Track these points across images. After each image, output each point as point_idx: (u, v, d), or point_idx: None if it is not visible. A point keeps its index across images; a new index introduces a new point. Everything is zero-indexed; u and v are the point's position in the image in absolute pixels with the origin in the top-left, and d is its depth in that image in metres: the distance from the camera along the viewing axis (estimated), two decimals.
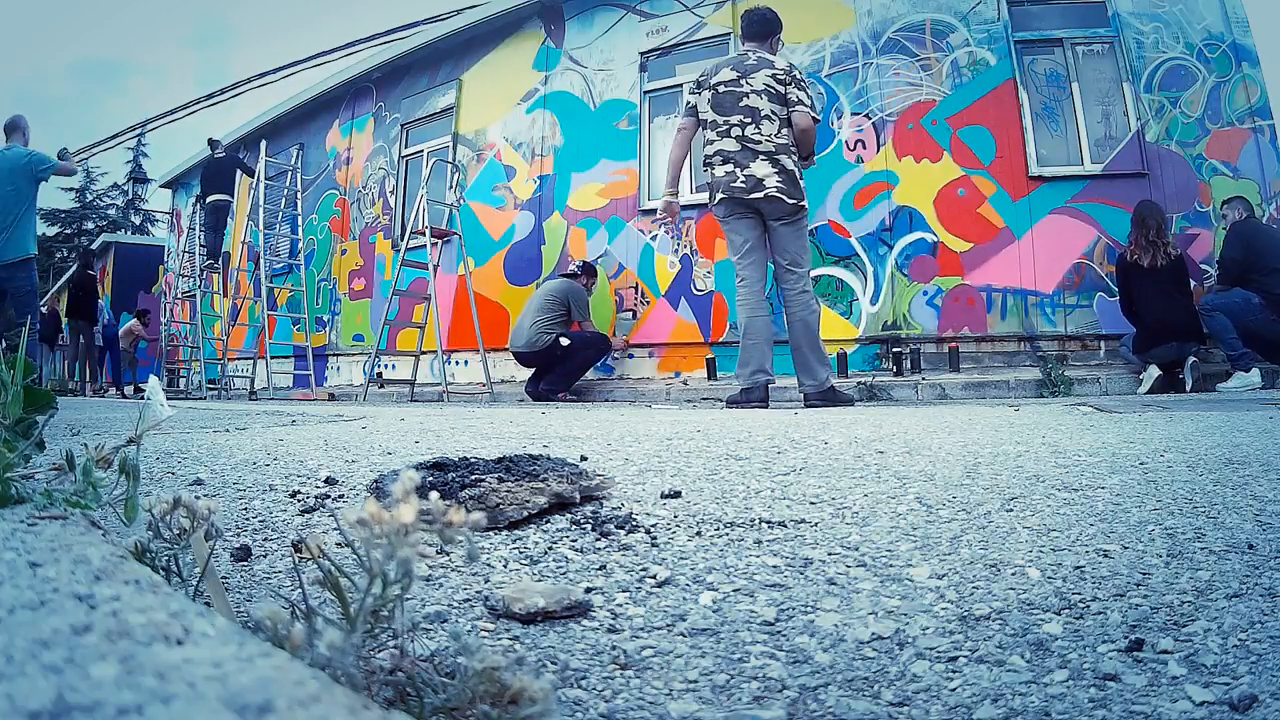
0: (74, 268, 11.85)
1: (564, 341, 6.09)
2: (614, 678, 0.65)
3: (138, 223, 31.09)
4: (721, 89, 4.00)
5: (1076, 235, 5.78)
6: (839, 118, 6.38)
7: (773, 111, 3.93)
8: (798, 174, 3.97)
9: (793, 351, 4.05)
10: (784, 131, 3.95)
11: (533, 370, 6.42)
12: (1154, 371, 4.85)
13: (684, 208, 6.98)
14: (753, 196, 3.90)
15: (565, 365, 6.20)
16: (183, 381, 11.63)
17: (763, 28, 4.16)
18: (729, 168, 3.96)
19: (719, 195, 3.99)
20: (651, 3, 7.47)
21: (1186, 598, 0.77)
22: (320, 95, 10.56)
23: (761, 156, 3.90)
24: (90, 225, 30.49)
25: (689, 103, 4.20)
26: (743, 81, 3.95)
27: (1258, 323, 4.77)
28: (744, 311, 4.05)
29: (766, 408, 3.89)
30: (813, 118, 4.00)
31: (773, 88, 3.93)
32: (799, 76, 4.00)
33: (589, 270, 6.75)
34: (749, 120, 3.93)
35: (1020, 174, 5.91)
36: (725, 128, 3.98)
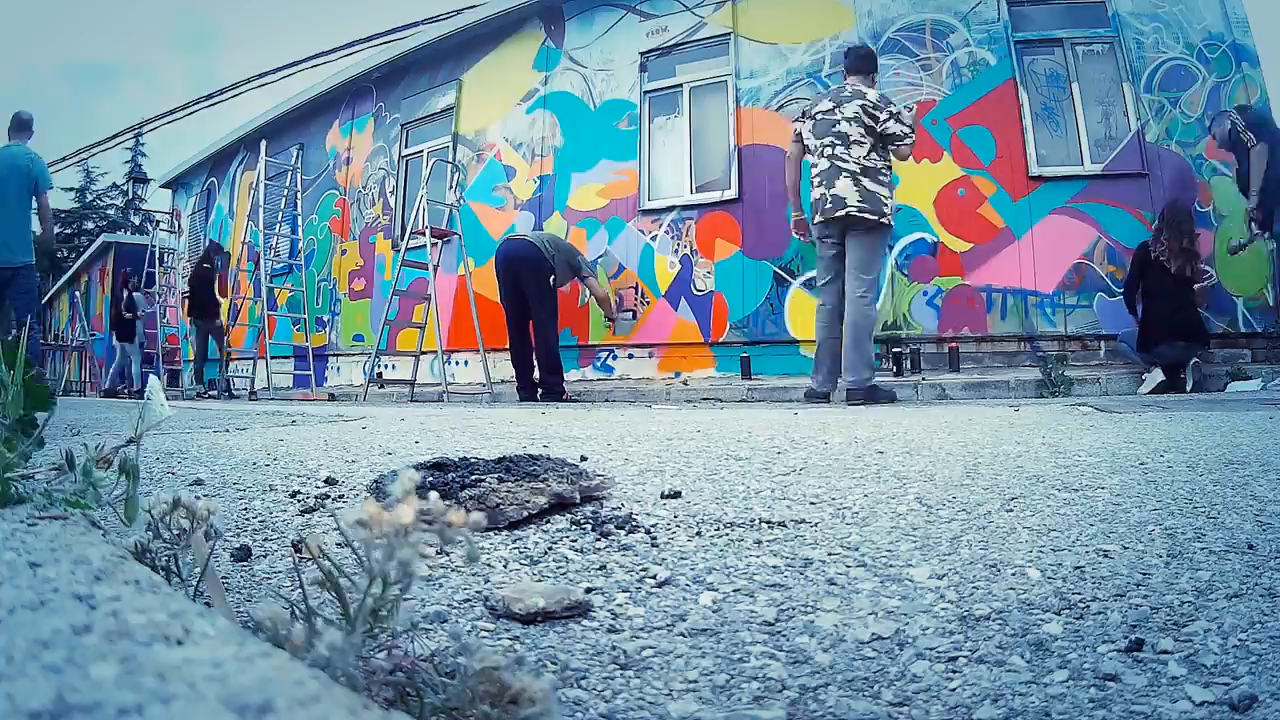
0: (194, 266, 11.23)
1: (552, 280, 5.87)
2: (614, 678, 0.65)
3: (137, 223, 31.07)
4: (820, 117, 4.44)
5: (1076, 235, 5.77)
6: None
7: (861, 136, 4.27)
8: (882, 195, 4.29)
9: (843, 350, 4.40)
10: (872, 155, 4.28)
11: (501, 297, 5.99)
12: (1158, 375, 4.82)
13: (685, 208, 7.02)
14: (835, 215, 4.29)
15: (540, 350, 5.86)
16: (186, 379, 11.61)
17: (862, 63, 4.54)
18: (821, 190, 4.38)
19: (816, 217, 4.42)
20: (651, 3, 7.47)
21: (1186, 598, 0.77)
22: (320, 95, 10.55)
23: (845, 174, 4.26)
24: (90, 225, 30.48)
25: (795, 130, 4.66)
26: (836, 110, 4.37)
27: None
28: (821, 332, 4.54)
29: (829, 403, 4.43)
30: (910, 144, 4.34)
31: (863, 116, 4.28)
32: (894, 109, 4.33)
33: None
34: (838, 142, 4.32)
35: (1020, 174, 5.91)
36: (819, 149, 4.41)
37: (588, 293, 7.29)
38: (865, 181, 4.25)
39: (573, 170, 7.68)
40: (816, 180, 4.42)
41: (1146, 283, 5.05)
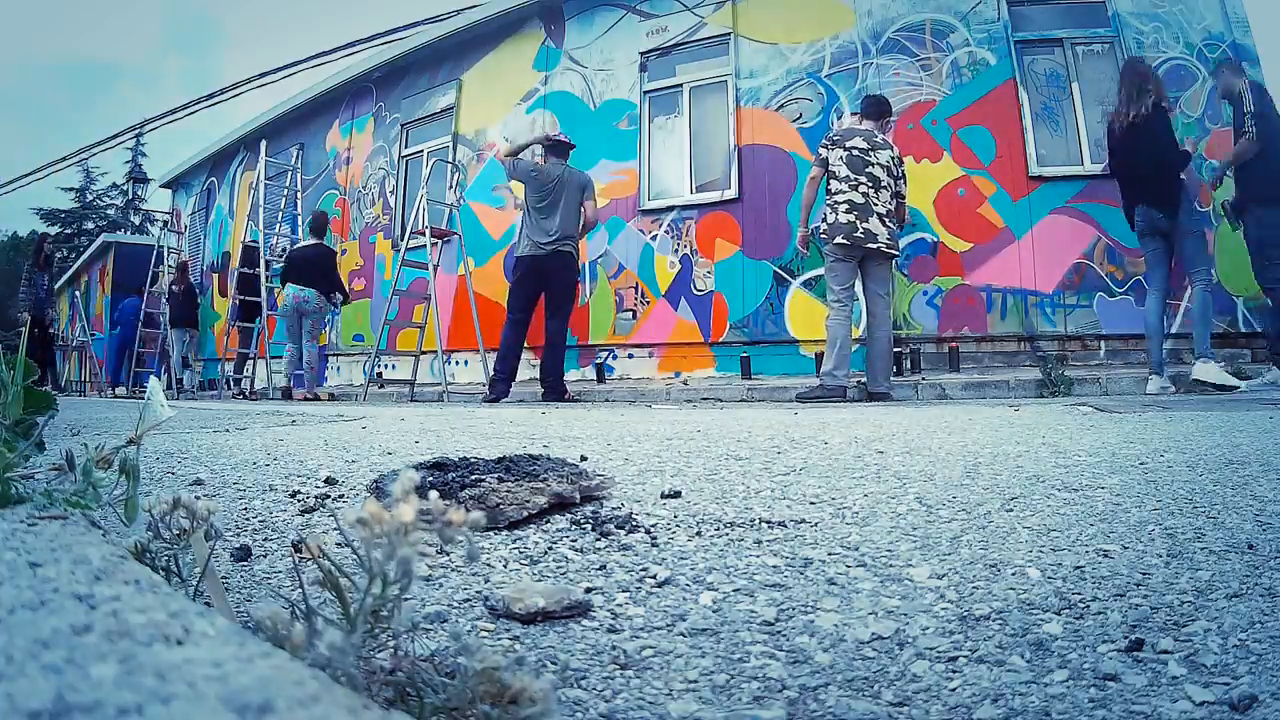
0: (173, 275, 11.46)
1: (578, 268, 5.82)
2: (614, 678, 0.65)
3: (137, 223, 31.06)
4: (855, 152, 4.89)
5: (1076, 235, 5.77)
6: (839, 118, 6.38)
7: (888, 184, 4.93)
8: (895, 233, 5.01)
9: (870, 359, 4.98)
10: (890, 201, 4.94)
11: (523, 299, 5.73)
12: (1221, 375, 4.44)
13: (685, 208, 7.02)
14: (868, 246, 4.84)
15: (550, 351, 5.73)
16: (191, 374, 11.61)
17: (880, 109, 5.13)
18: (851, 217, 4.83)
19: (838, 238, 4.83)
20: (651, 3, 7.47)
21: (1186, 598, 0.77)
22: (320, 95, 10.55)
23: (876, 216, 4.85)
24: (90, 225, 30.48)
25: (821, 155, 5.04)
26: (871, 153, 4.90)
27: None
28: (839, 331, 4.91)
29: (845, 400, 4.78)
30: (906, 193, 5.13)
31: (890, 167, 4.94)
32: (904, 170, 5.06)
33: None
34: (872, 186, 4.86)
35: (1020, 174, 5.91)
36: (854, 183, 4.86)
37: (586, 291, 7.29)
38: (887, 221, 4.89)
39: None
40: (845, 207, 4.85)
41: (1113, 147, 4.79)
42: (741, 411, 3.70)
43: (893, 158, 4.96)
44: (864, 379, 5.06)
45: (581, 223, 5.81)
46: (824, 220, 4.94)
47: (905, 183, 5.05)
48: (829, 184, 4.96)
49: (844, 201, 4.85)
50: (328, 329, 9.61)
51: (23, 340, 0.85)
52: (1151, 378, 4.69)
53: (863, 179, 4.84)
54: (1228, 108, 5.12)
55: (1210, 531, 0.99)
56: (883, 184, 4.88)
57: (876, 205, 4.83)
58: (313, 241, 7.91)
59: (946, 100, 6.15)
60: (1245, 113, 4.57)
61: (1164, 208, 4.57)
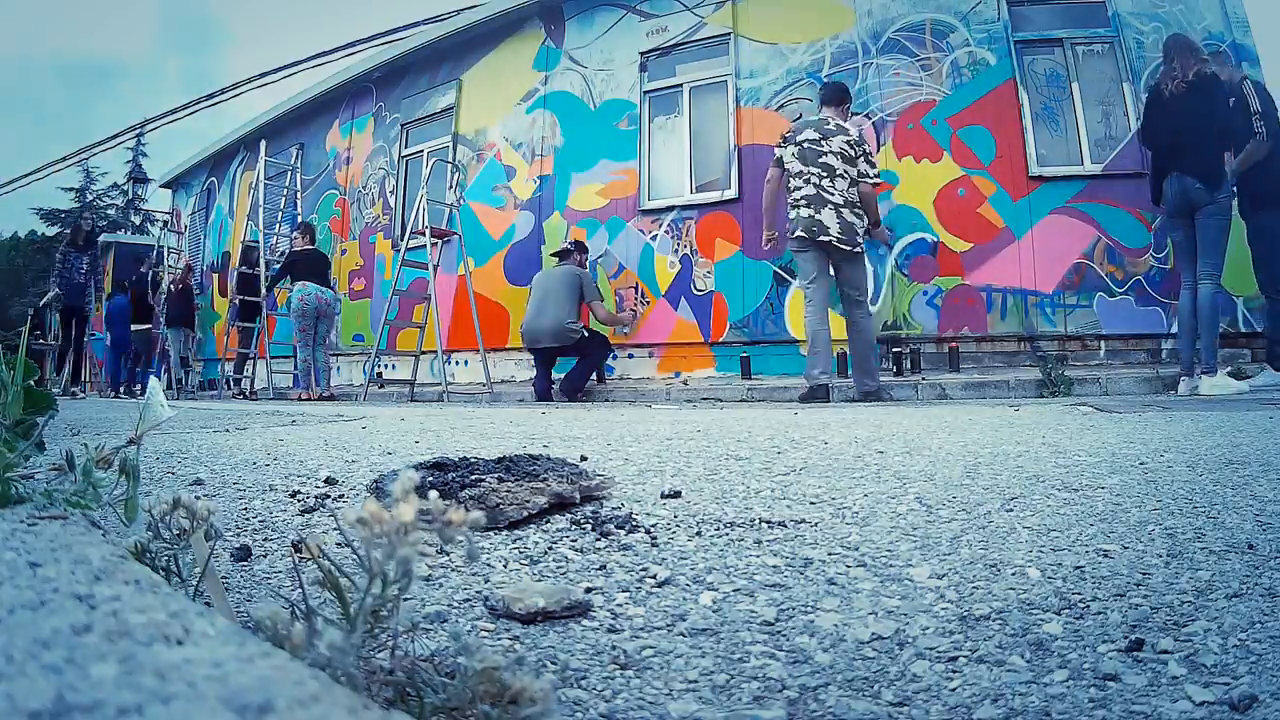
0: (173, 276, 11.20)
1: (586, 333, 6.20)
2: (614, 678, 0.65)
3: (138, 223, 31.05)
4: (806, 145, 4.80)
5: (1076, 235, 5.77)
6: None
7: (844, 171, 4.75)
8: (858, 225, 4.80)
9: (851, 359, 5.01)
10: (850, 189, 4.77)
11: (542, 365, 6.35)
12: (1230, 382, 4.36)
13: (685, 208, 7.03)
14: (820, 239, 4.73)
15: (580, 363, 6.17)
16: (192, 375, 11.61)
17: (838, 96, 5.03)
18: (808, 211, 4.75)
19: (797, 232, 4.77)
20: (651, 3, 7.47)
21: (1186, 598, 0.77)
22: (320, 95, 10.55)
23: (830, 207, 4.71)
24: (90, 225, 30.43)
25: (776, 155, 4.97)
26: (822, 143, 4.77)
27: None
28: (815, 324, 4.83)
29: (829, 402, 4.70)
30: (873, 184, 4.88)
31: (846, 151, 4.75)
32: (866, 149, 4.86)
33: (581, 248, 6.71)
34: (825, 175, 4.73)
35: (1020, 174, 5.91)
36: (807, 176, 4.78)
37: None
38: (845, 213, 4.72)
39: (573, 170, 7.68)
40: (803, 202, 4.77)
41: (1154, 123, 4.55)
42: (741, 411, 3.70)
43: (848, 141, 4.77)
44: None
45: (589, 314, 6.30)
46: (788, 219, 4.92)
47: (870, 163, 4.84)
48: (789, 182, 4.89)
49: (801, 197, 4.79)
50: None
51: (23, 337, 0.85)
52: (1183, 380, 4.53)
53: (815, 170, 4.74)
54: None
55: (1210, 531, 0.99)
56: (838, 172, 4.72)
57: (831, 195, 4.70)
58: (310, 246, 7.94)
59: (946, 100, 6.15)
60: (1253, 112, 4.38)
61: (1206, 177, 4.31)
